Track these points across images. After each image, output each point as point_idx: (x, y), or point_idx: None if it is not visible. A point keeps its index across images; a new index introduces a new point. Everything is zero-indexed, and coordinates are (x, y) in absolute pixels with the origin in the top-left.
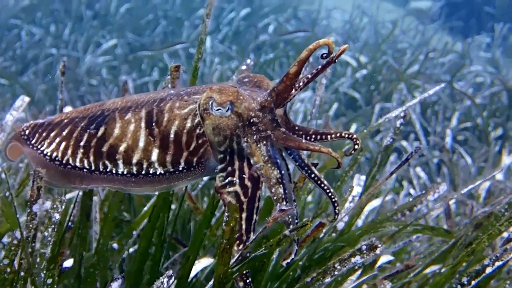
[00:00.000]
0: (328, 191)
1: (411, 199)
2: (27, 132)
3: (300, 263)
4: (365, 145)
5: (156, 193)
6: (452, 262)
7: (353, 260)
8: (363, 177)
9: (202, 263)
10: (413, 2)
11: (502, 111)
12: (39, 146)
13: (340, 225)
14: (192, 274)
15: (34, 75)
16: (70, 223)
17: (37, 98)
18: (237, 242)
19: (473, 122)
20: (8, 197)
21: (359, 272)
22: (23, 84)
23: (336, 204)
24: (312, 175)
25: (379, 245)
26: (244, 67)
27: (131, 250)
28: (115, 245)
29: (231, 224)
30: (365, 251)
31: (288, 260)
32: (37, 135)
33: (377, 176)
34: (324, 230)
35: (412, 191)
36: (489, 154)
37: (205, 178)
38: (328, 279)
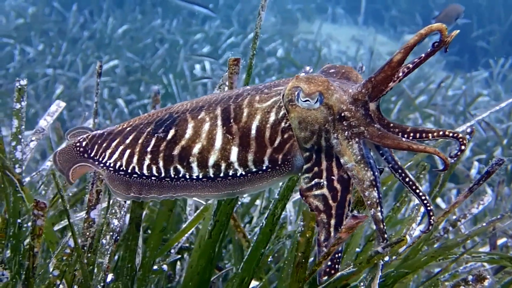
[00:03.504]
0: (423, 198)
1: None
2: (83, 144)
3: None
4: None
5: (215, 200)
6: None
7: None
8: None
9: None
10: (407, 35)
11: None
12: (99, 158)
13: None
14: None
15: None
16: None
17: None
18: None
19: (488, 155)
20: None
21: None
22: None
23: (431, 214)
24: (407, 179)
25: (488, 277)
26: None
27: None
28: (165, 267)
29: (307, 235)
30: (471, 282)
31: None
32: (96, 147)
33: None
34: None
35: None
36: None
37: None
38: None
